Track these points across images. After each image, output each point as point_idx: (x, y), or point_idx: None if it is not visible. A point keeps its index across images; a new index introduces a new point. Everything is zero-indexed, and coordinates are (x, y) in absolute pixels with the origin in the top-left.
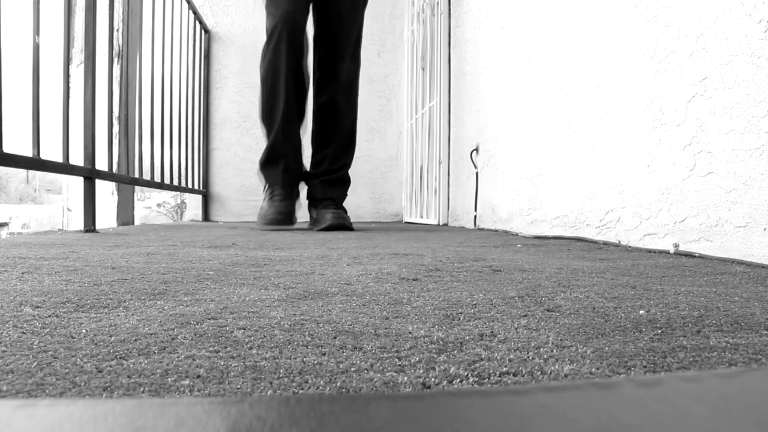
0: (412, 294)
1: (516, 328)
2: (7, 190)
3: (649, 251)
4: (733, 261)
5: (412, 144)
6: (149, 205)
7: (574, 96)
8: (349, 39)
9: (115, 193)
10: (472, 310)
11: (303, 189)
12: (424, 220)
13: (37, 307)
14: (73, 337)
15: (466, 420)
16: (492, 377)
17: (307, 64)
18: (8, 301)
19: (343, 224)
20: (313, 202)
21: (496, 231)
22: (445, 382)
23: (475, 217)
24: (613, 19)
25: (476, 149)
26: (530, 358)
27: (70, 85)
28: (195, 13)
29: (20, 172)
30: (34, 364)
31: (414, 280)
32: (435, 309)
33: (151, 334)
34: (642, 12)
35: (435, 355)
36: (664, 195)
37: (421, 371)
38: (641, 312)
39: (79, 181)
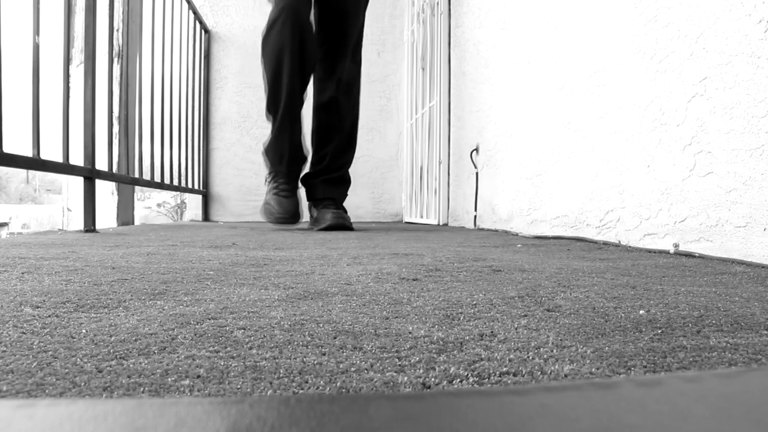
0: (412, 294)
1: (516, 328)
2: (7, 190)
3: (649, 251)
4: (733, 261)
5: (412, 144)
6: (149, 205)
7: (574, 96)
8: (350, 37)
9: (115, 193)
10: (472, 310)
11: (303, 189)
12: (424, 220)
13: (37, 307)
14: (73, 337)
15: (466, 420)
16: (492, 377)
17: (314, 52)
18: (8, 301)
19: (343, 224)
20: (313, 202)
21: (496, 231)
22: (445, 382)
23: (475, 217)
24: (613, 19)
25: (476, 149)
26: (530, 358)
27: (70, 85)
28: (195, 13)
29: (20, 172)
30: (34, 364)
31: (414, 280)
32: (435, 309)
33: (151, 334)
34: (642, 12)
35: (435, 355)
36: (664, 195)
37: (421, 371)
38: (641, 312)
39: (79, 181)
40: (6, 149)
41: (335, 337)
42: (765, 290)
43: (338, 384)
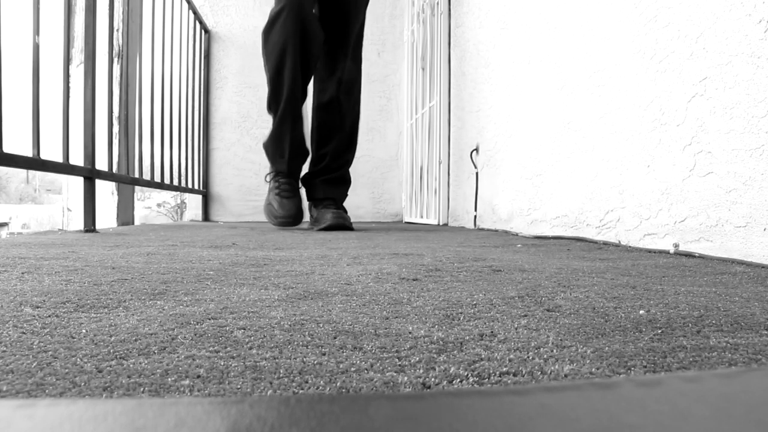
0: (412, 294)
1: (516, 328)
2: (7, 190)
3: (649, 251)
4: (733, 261)
5: (412, 144)
6: (149, 205)
7: (574, 96)
8: (351, 35)
9: (115, 193)
10: (472, 310)
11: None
12: (424, 220)
13: (37, 307)
14: (73, 337)
15: (466, 420)
16: (492, 377)
17: (318, 45)
18: (8, 301)
19: (343, 224)
20: (314, 202)
21: (496, 231)
22: (445, 382)
23: (475, 217)
24: (613, 19)
25: (476, 149)
26: (530, 358)
27: (70, 85)
28: (195, 13)
29: (20, 172)
30: (34, 364)
31: (414, 280)
32: (435, 309)
33: (151, 334)
34: (642, 12)
35: (435, 355)
36: (664, 195)
37: (421, 371)
38: (641, 312)
39: (79, 181)
40: (6, 149)
41: (335, 337)
42: (765, 290)
43: (338, 384)
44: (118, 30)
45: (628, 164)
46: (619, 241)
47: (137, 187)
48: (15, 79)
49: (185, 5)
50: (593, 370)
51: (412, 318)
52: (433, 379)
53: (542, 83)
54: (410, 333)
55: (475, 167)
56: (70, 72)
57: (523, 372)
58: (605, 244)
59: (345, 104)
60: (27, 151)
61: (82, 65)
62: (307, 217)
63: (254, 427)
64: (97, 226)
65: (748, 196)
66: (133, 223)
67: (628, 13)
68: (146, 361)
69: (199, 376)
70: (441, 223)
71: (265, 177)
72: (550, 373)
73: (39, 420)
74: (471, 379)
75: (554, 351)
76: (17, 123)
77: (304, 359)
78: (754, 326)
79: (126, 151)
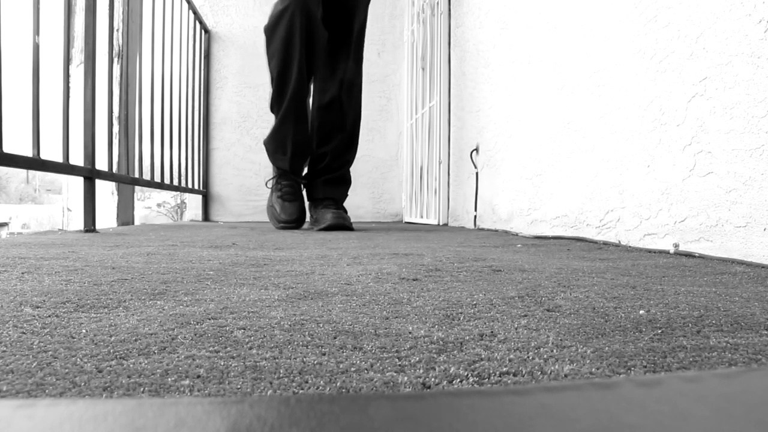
0: (412, 294)
1: (516, 328)
2: (7, 190)
3: (649, 251)
4: (733, 261)
5: (412, 144)
6: (149, 205)
7: (574, 96)
8: (353, 34)
9: (115, 193)
10: (472, 310)
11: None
12: (424, 220)
13: (37, 307)
14: (73, 337)
15: (466, 420)
16: (492, 377)
17: (322, 43)
18: (8, 301)
19: (343, 224)
20: (314, 202)
21: (496, 231)
22: (445, 382)
23: (475, 217)
24: (613, 19)
25: (476, 149)
26: (530, 358)
27: (70, 85)
28: (195, 13)
29: (20, 172)
30: (34, 364)
31: (414, 280)
32: (435, 309)
33: (151, 334)
34: (642, 12)
35: (435, 355)
36: (664, 195)
37: (421, 371)
38: (641, 312)
39: (79, 181)
40: (6, 149)
41: (335, 337)
42: (765, 290)
43: (338, 384)
44: (118, 30)
45: (628, 164)
46: (619, 241)
47: (137, 187)
48: (15, 79)
49: (185, 5)
50: (593, 370)
51: (412, 318)
52: (433, 379)
53: (542, 83)
54: (410, 333)
55: (475, 167)
56: (70, 72)
57: (523, 372)
58: (605, 244)
59: (346, 104)
60: (27, 151)
61: (82, 65)
62: (307, 217)
63: (254, 427)
64: (97, 226)
65: (748, 196)
66: (133, 223)
67: (628, 13)
68: (146, 361)
69: (199, 376)
70: (441, 223)
71: (266, 183)
72: (550, 373)
73: (39, 420)
74: (471, 379)
75: (554, 351)
76: (17, 123)
77: (304, 359)
78: (754, 326)
79: (126, 151)
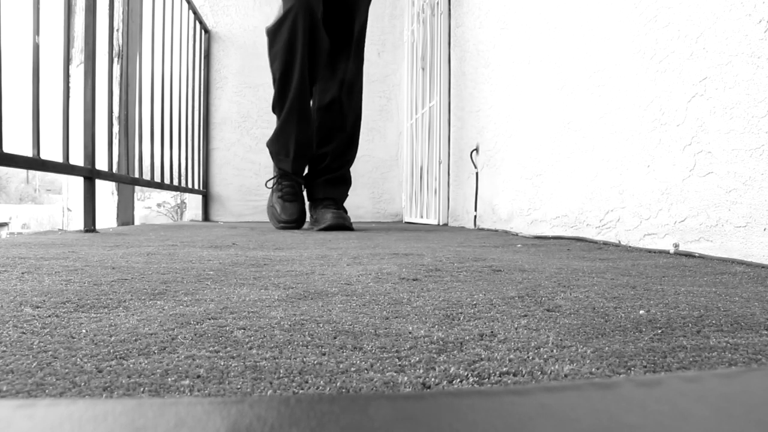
0: (412, 294)
1: (516, 328)
2: (7, 190)
3: (649, 251)
4: (733, 261)
5: (412, 144)
6: (149, 205)
7: (574, 96)
8: (354, 34)
9: (115, 193)
10: (472, 310)
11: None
12: (424, 220)
13: (37, 307)
14: (73, 337)
15: (466, 420)
16: (492, 377)
17: (324, 46)
18: (8, 301)
19: (343, 224)
20: (314, 202)
21: (496, 231)
22: (445, 382)
23: (475, 217)
24: (613, 19)
25: (476, 149)
26: (530, 358)
27: (70, 85)
28: (195, 13)
29: (20, 172)
30: (34, 364)
31: (414, 280)
32: (435, 309)
33: (151, 334)
34: (642, 12)
35: (435, 355)
36: (664, 195)
37: (421, 371)
38: (641, 312)
39: (79, 181)
40: (6, 149)
41: (335, 337)
42: (765, 290)
43: (338, 384)
44: (118, 30)
45: (628, 164)
46: (619, 241)
47: (137, 187)
48: (15, 79)
49: (185, 5)
50: (593, 370)
51: (412, 318)
52: (433, 379)
53: (542, 83)
54: (410, 333)
55: (475, 167)
56: (70, 72)
57: (523, 372)
58: (605, 244)
59: (346, 104)
60: (27, 151)
61: (82, 65)
62: (307, 217)
63: (254, 427)
64: (97, 226)
65: (748, 196)
66: (133, 223)
67: (628, 13)
68: (146, 361)
69: (199, 376)
70: (441, 223)
71: (266, 183)
72: (550, 373)
73: (39, 420)
74: (471, 379)
75: (554, 351)
76: (17, 123)
77: (304, 359)
78: (754, 326)
79: (126, 151)
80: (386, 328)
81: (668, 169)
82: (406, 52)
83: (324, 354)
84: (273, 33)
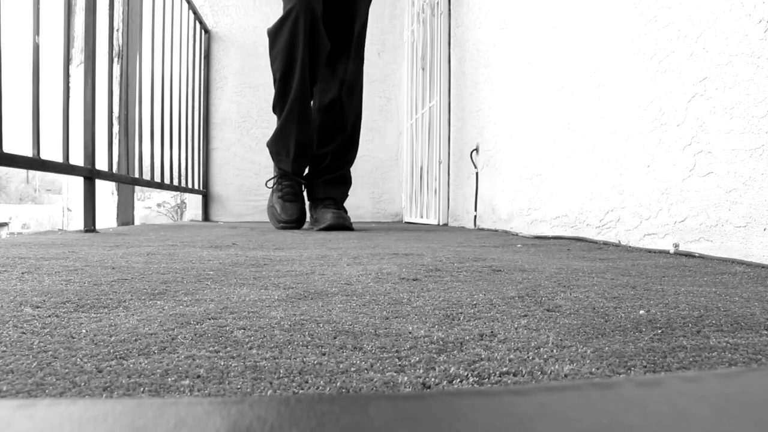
0: (412, 294)
1: (516, 328)
2: (7, 190)
3: (649, 251)
4: (733, 261)
5: (412, 144)
6: (149, 205)
7: (574, 96)
8: (354, 34)
9: (115, 193)
10: (472, 310)
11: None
12: (424, 220)
13: (37, 307)
14: (73, 337)
15: (466, 420)
16: (492, 377)
17: (325, 47)
18: (8, 301)
19: (343, 224)
20: (314, 202)
21: (496, 231)
22: (445, 382)
23: (475, 217)
24: (613, 19)
25: (476, 149)
26: (530, 358)
27: (70, 85)
28: (195, 13)
29: (20, 172)
30: (34, 364)
31: (414, 280)
32: (435, 309)
33: (151, 334)
34: (642, 12)
35: (435, 355)
36: (664, 195)
37: (421, 371)
38: (641, 312)
39: (79, 181)
40: (6, 149)
41: (335, 337)
42: (765, 290)
43: (338, 384)
44: (118, 30)
45: (628, 164)
46: (619, 241)
47: (137, 187)
48: (15, 79)
49: (185, 5)
50: (593, 370)
51: (412, 318)
52: (433, 379)
53: (542, 83)
54: (410, 333)
55: (475, 167)
56: (70, 72)
57: (523, 372)
58: (605, 244)
59: (347, 104)
60: (27, 151)
61: (82, 65)
62: (307, 217)
63: (254, 427)
64: (97, 226)
65: (748, 196)
66: (133, 223)
67: (628, 13)
68: (146, 361)
69: (199, 376)
70: (441, 223)
71: (266, 183)
72: (550, 373)
73: (39, 420)
74: (471, 379)
75: (554, 351)
76: (17, 123)
77: (304, 359)
78: (754, 326)
79: (126, 151)
80: (386, 328)
81: (668, 169)
82: (406, 52)
83: (324, 354)
84: (274, 33)
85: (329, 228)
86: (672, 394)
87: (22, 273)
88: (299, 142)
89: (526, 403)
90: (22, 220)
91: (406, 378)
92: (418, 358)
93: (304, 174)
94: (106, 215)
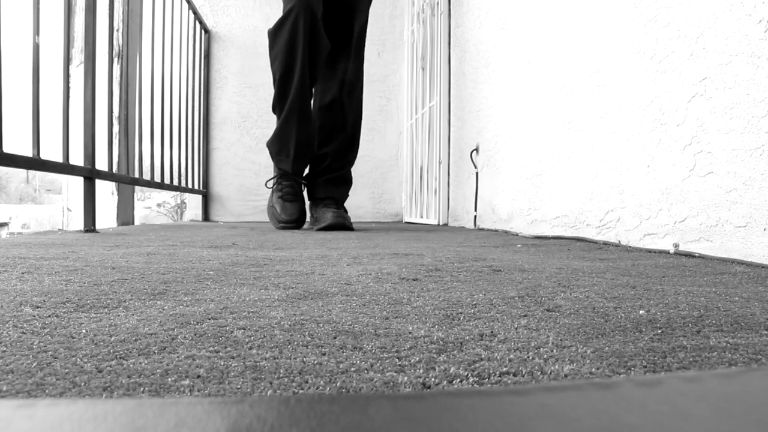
0: (412, 294)
1: (516, 328)
2: (7, 190)
3: (649, 251)
4: (733, 261)
5: (412, 144)
6: (149, 205)
7: (574, 96)
8: (355, 34)
9: (115, 193)
10: (472, 310)
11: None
12: (424, 220)
13: (37, 307)
14: (73, 337)
15: (466, 420)
16: (492, 377)
17: (325, 47)
18: (8, 301)
19: (343, 224)
20: (314, 201)
21: (496, 231)
22: (445, 382)
23: (475, 217)
24: (613, 19)
25: (476, 149)
26: (530, 358)
27: (70, 85)
28: (195, 13)
29: (20, 172)
30: (34, 364)
31: (414, 280)
32: (435, 309)
33: (151, 334)
34: (642, 12)
35: (435, 355)
36: (664, 195)
37: (421, 371)
38: (641, 312)
39: (79, 181)
40: (6, 149)
41: (335, 337)
42: (765, 290)
43: (338, 384)
44: (118, 30)
45: (628, 164)
46: (619, 241)
47: (137, 187)
48: (15, 79)
49: (185, 5)
50: (593, 370)
51: (412, 318)
52: (433, 379)
53: (542, 83)
54: (410, 333)
55: (475, 167)
56: (70, 72)
57: (523, 372)
58: (605, 244)
59: (347, 105)
60: (27, 151)
61: (82, 65)
62: (307, 217)
63: (254, 427)
64: (97, 226)
65: (748, 196)
66: (133, 223)
67: (628, 13)
68: (146, 361)
69: (199, 376)
70: (441, 223)
71: (266, 183)
72: (550, 373)
73: (39, 420)
74: (471, 379)
75: (554, 351)
76: (17, 123)
77: (304, 359)
78: (754, 326)
79: (126, 151)
80: (386, 328)
81: (668, 169)
82: (406, 52)
83: (324, 354)
84: (273, 33)
85: (329, 227)
86: (672, 394)
87: (22, 273)
88: (299, 142)
89: (526, 403)
90: (22, 220)
91: (406, 378)
92: (418, 358)
93: (304, 174)
94: (106, 215)
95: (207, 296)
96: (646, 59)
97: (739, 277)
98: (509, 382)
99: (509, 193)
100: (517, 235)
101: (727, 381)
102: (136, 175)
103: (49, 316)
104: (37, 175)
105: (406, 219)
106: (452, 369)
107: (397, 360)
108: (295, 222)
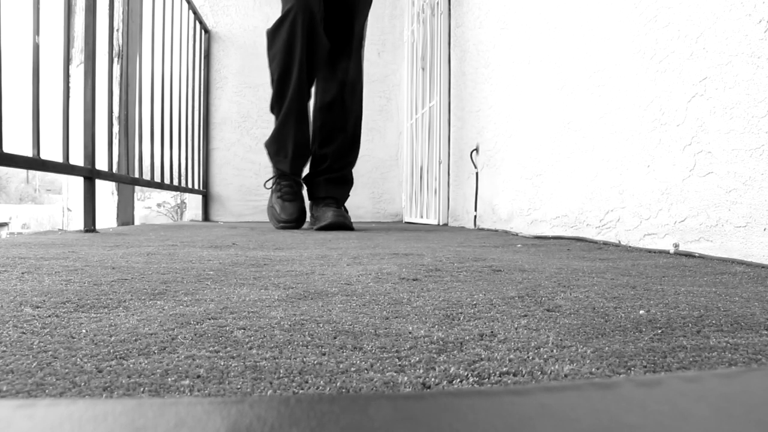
0: (412, 294)
1: (516, 328)
2: (7, 190)
3: (649, 251)
4: (733, 261)
5: (412, 144)
6: (149, 205)
7: (574, 96)
8: (355, 34)
9: (115, 193)
10: (472, 310)
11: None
12: (424, 220)
13: (37, 307)
14: (73, 337)
15: (466, 420)
16: (492, 377)
17: (324, 47)
18: (8, 301)
19: (343, 223)
20: (315, 201)
21: (496, 231)
22: (445, 382)
23: (475, 217)
24: (613, 19)
25: (476, 149)
26: (530, 358)
27: (70, 85)
28: (195, 13)
29: (20, 172)
30: (34, 364)
31: (414, 280)
32: (435, 309)
33: (151, 334)
34: (642, 12)
35: (435, 355)
36: (664, 195)
37: (421, 371)
38: (641, 312)
39: (79, 181)
40: (6, 149)
41: (335, 337)
42: (765, 290)
43: (338, 384)
44: (118, 30)
45: (628, 164)
46: (619, 241)
47: (137, 187)
48: (15, 79)
49: (185, 5)
50: (593, 370)
51: (412, 318)
52: (433, 379)
53: (542, 83)
54: (410, 333)
55: (475, 167)
56: (70, 72)
57: (523, 372)
58: (605, 244)
59: (348, 105)
60: (27, 151)
61: (82, 65)
62: (307, 217)
63: (254, 427)
64: (97, 226)
65: (748, 196)
66: (133, 223)
67: (628, 13)
68: (146, 361)
69: (199, 376)
70: (441, 223)
71: (265, 183)
72: (550, 373)
73: (39, 420)
74: (471, 379)
75: (554, 351)
76: (17, 123)
77: (304, 359)
78: (754, 326)
79: (126, 151)
80: (386, 328)
81: (668, 169)
82: (406, 52)
83: (324, 354)
84: (272, 33)
85: (329, 226)
86: (672, 394)
87: (22, 273)
88: (297, 142)
89: (526, 403)
90: (22, 220)
91: (406, 378)
92: (418, 358)
93: (303, 174)
94: (106, 215)
95: (207, 296)
96: (646, 59)
97: (739, 277)
98: (509, 382)
99: (509, 193)
100: (517, 235)
101: (727, 381)
102: (136, 175)
103: (49, 316)
104: (37, 175)
105: (406, 219)
106: (452, 369)
107: (397, 360)
108: (295, 222)
